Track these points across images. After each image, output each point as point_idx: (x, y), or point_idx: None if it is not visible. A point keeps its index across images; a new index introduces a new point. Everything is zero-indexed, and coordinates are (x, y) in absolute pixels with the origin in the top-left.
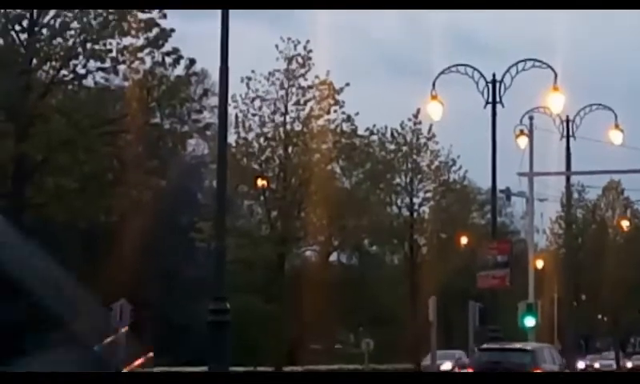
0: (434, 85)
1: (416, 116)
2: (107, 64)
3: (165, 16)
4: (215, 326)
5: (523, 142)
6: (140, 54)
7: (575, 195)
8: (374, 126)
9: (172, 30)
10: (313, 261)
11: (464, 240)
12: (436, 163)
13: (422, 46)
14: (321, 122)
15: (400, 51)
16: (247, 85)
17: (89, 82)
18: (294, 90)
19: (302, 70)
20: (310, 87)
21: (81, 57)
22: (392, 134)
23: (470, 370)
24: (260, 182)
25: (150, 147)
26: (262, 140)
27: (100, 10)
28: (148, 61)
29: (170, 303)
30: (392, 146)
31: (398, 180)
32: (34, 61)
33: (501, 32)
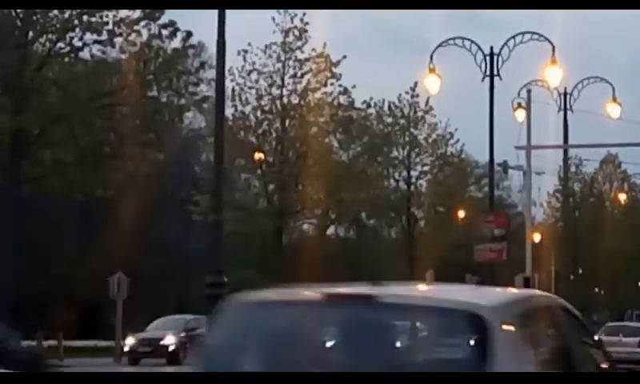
0: (431, 58)
1: (413, 89)
2: (104, 36)
3: None
4: (212, 299)
5: (521, 115)
6: (136, 27)
7: (573, 168)
8: (371, 99)
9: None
10: (310, 234)
11: (461, 213)
12: (433, 136)
13: (419, 19)
14: (318, 94)
15: (397, 24)
16: (244, 58)
17: (85, 54)
18: (290, 62)
19: (299, 43)
20: (306, 60)
21: (77, 29)
22: (389, 107)
23: None
24: (257, 156)
25: (147, 120)
26: (259, 113)
27: None
28: (145, 33)
29: (167, 276)
30: (389, 120)
31: (395, 153)
32: (31, 33)
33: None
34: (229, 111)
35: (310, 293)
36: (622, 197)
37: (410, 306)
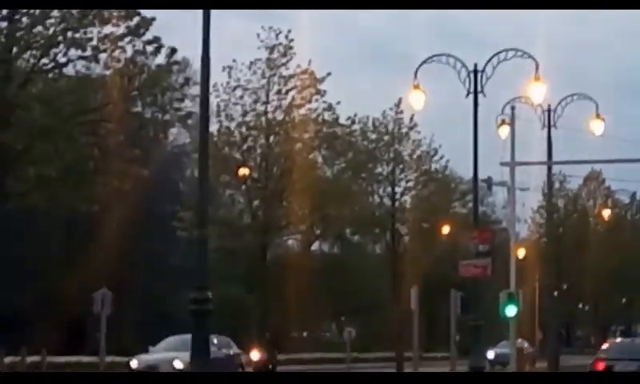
0: (415, 74)
1: (398, 105)
2: (88, 52)
3: None
4: (197, 314)
5: (505, 131)
6: (121, 43)
7: (557, 185)
8: (356, 115)
9: (153, 19)
10: (295, 250)
11: (446, 229)
12: (418, 153)
13: (404, 36)
14: (302, 111)
15: (382, 40)
16: (229, 74)
17: (69, 70)
18: (275, 79)
19: (284, 59)
20: (291, 76)
21: (61, 45)
22: (374, 124)
23: None
24: (242, 172)
25: (132, 136)
26: (243, 129)
27: None
28: (129, 49)
29: (151, 292)
30: (374, 136)
31: (379, 169)
32: (15, 49)
33: (483, 21)
34: (213, 127)
35: None
36: (606, 213)
37: None
